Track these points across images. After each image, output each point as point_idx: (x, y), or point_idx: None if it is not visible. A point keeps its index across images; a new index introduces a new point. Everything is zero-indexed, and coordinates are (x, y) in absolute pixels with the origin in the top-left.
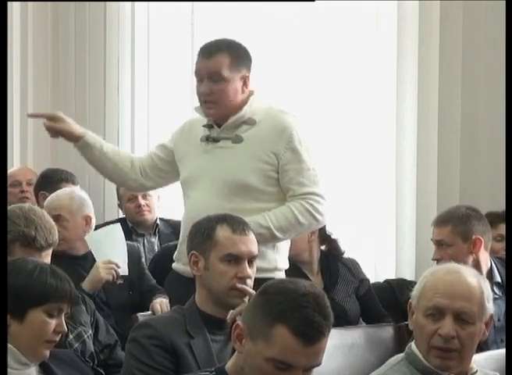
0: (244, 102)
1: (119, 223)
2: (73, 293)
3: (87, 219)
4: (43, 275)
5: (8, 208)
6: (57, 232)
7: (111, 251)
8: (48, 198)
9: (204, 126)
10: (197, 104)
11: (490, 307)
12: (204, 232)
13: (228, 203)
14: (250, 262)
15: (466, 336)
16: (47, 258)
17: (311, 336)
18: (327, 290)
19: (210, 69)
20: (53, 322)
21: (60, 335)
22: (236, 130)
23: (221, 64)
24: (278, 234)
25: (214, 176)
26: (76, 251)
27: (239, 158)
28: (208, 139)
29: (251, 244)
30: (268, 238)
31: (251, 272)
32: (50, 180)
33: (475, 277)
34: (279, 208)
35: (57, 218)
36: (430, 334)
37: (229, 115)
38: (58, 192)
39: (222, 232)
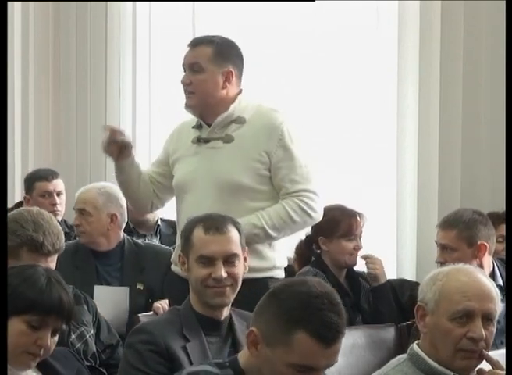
0: (231, 100)
1: (127, 288)
2: (64, 308)
3: (113, 217)
4: (34, 285)
5: (17, 211)
6: (63, 237)
7: (112, 309)
8: (79, 190)
9: (193, 127)
10: None
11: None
12: (185, 234)
13: (222, 204)
14: (228, 261)
15: (490, 335)
16: (52, 263)
17: (331, 338)
18: (356, 298)
19: (191, 60)
20: (34, 334)
21: (43, 348)
22: (226, 130)
23: (201, 55)
24: (272, 233)
25: (206, 177)
26: (97, 247)
27: (230, 158)
28: (199, 140)
29: (225, 243)
30: (262, 238)
31: (234, 271)
32: (28, 182)
33: (487, 277)
34: (273, 207)
35: (81, 211)
36: (458, 338)
37: (215, 112)
38: (91, 185)
39: (197, 233)
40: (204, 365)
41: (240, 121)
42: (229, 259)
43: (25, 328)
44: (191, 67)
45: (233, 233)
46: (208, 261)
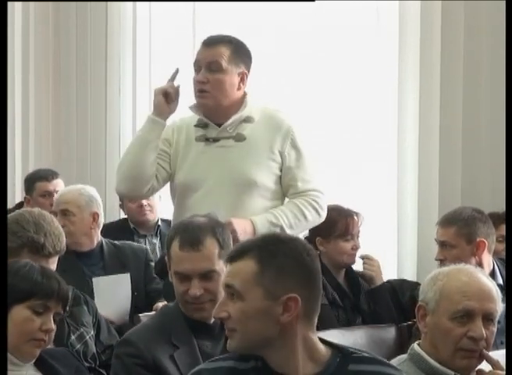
0: (241, 101)
1: (128, 274)
2: (62, 292)
3: (95, 216)
4: (29, 272)
5: (18, 212)
6: (65, 239)
7: (114, 299)
8: (59, 192)
9: (196, 125)
10: (192, 103)
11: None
12: (166, 242)
13: (237, 201)
14: (205, 277)
15: (490, 335)
16: (53, 265)
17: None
18: (356, 299)
19: (209, 58)
20: (38, 319)
21: (48, 334)
22: (236, 129)
23: (221, 54)
24: (288, 232)
25: (220, 175)
26: (80, 247)
27: (244, 156)
28: (207, 139)
29: (200, 260)
30: None
31: (211, 286)
32: (28, 183)
33: (487, 277)
34: (286, 206)
35: (64, 212)
36: (459, 337)
37: (225, 112)
38: (69, 187)
39: (173, 247)
40: (220, 361)
41: (249, 120)
42: (206, 275)
43: (30, 314)
44: (209, 66)
45: (211, 248)
46: (184, 277)
